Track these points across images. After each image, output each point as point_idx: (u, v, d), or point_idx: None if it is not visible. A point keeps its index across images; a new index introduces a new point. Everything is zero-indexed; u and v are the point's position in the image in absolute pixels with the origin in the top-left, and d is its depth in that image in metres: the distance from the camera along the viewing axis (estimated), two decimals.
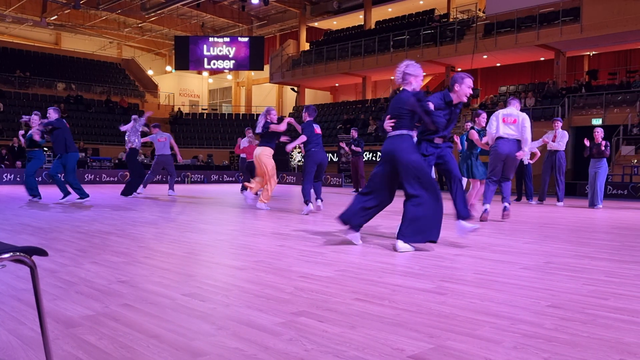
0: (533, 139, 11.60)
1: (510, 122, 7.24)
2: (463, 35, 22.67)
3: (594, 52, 23.39)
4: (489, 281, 3.37)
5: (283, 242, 5.03)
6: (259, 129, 8.57)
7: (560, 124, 10.63)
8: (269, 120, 8.53)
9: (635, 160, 15.86)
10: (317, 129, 8.45)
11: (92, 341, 2.13)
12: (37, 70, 29.29)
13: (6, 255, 1.55)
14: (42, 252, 1.65)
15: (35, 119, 9.41)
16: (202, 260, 4.04)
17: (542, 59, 23.06)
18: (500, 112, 7.32)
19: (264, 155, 8.43)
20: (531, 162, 11.68)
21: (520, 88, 22.47)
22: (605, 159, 10.35)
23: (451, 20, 24.82)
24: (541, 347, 2.13)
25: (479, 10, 24.23)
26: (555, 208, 10.17)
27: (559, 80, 21.10)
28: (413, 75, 4.69)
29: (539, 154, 11.46)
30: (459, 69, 25.04)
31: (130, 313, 2.54)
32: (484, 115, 8.50)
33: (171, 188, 12.66)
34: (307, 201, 8.12)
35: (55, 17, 29.94)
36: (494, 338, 2.24)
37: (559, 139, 10.66)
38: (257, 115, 31.21)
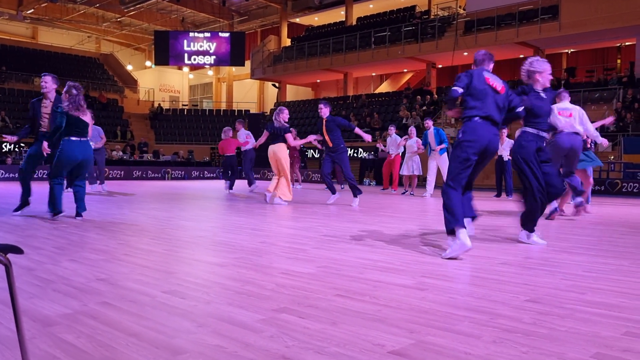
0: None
1: (566, 116, 6.94)
2: (444, 32, 22.81)
3: (572, 50, 23.71)
4: (468, 276, 3.40)
5: (264, 238, 5.02)
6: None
7: None
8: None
9: (612, 157, 16.11)
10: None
11: (69, 340, 2.10)
12: (13, 65, 28.76)
13: None
14: (18, 250, 1.62)
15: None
16: (183, 257, 4.01)
17: (521, 56, 23.30)
18: (555, 107, 6.93)
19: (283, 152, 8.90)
20: (511, 157, 11.78)
21: None
22: None
23: (432, 17, 24.94)
24: (520, 342, 2.16)
25: (460, 7, 24.39)
26: None
27: None
28: (538, 71, 4.67)
29: None
30: (440, 66, 25.20)
31: (109, 311, 2.51)
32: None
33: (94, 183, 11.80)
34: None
35: (32, 10, 29.46)
36: (474, 333, 2.26)
37: None
38: (238, 111, 31.14)
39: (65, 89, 6.26)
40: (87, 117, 6.25)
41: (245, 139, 13.03)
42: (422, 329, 2.31)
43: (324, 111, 8.83)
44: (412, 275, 3.42)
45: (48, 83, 6.73)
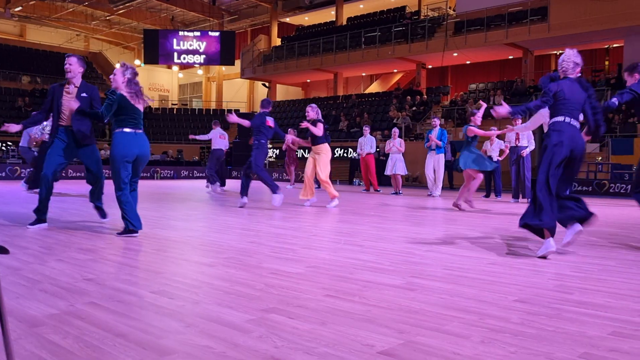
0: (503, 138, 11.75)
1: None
2: (434, 32, 22.88)
3: (561, 52, 23.79)
4: (457, 277, 3.40)
5: (254, 238, 5.00)
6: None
7: (520, 121, 10.58)
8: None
9: (600, 158, 16.24)
10: (270, 122, 8.46)
11: (56, 340, 2.08)
12: (0, 63, 28.52)
13: None
14: (3, 250, 1.61)
15: None
16: (171, 257, 3.99)
17: (510, 57, 23.42)
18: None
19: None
20: (500, 159, 11.84)
21: (490, 86, 22.79)
22: None
23: (422, 17, 25.01)
24: (508, 342, 2.16)
25: (449, 8, 24.47)
26: (526, 205, 10.34)
27: (527, 78, 21.47)
28: (580, 65, 4.53)
29: (507, 151, 11.59)
30: (430, 66, 25.28)
31: (96, 311, 2.49)
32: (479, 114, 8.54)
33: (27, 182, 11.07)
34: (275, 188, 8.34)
35: (20, 8, 29.20)
36: (462, 333, 2.26)
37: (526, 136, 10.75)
38: (228, 110, 31.03)
39: (122, 69, 5.04)
40: (141, 107, 5.15)
41: (219, 138, 13.20)
42: (412, 329, 2.31)
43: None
44: (401, 275, 3.42)
45: (73, 65, 5.42)
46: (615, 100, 4.85)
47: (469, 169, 8.33)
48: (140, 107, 5.09)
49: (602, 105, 4.75)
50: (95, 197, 5.88)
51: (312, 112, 8.69)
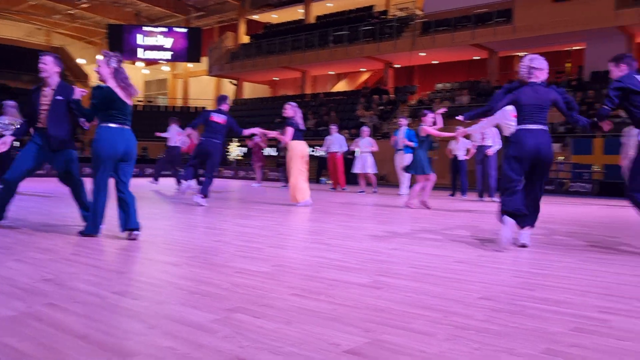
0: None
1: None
2: (401, 32, 23.08)
3: (525, 53, 24.30)
4: (423, 275, 3.43)
5: (219, 237, 4.95)
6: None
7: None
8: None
9: (562, 157, 16.63)
10: (215, 117, 8.21)
11: (12, 343, 2.01)
12: None
13: None
14: None
15: None
16: (135, 257, 3.91)
17: (476, 57, 23.78)
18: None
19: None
20: (466, 157, 12.00)
21: (456, 86, 23.10)
22: None
23: (390, 17, 25.19)
24: (472, 338, 2.18)
25: (417, 8, 24.71)
26: (492, 204, 10.50)
27: (492, 79, 21.84)
28: (539, 68, 4.59)
29: (474, 150, 11.74)
30: (397, 66, 25.48)
31: (55, 313, 2.41)
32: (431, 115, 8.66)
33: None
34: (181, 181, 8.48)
35: None
36: (428, 331, 2.28)
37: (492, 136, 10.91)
38: (197, 108, 30.70)
39: (105, 60, 4.66)
40: (130, 101, 4.75)
41: (177, 136, 13.06)
42: (378, 327, 2.31)
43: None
44: (367, 274, 3.43)
45: (48, 65, 5.08)
46: (606, 107, 4.94)
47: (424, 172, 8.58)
48: (129, 102, 4.72)
49: (597, 113, 4.90)
50: (83, 205, 5.31)
51: (290, 110, 8.60)
